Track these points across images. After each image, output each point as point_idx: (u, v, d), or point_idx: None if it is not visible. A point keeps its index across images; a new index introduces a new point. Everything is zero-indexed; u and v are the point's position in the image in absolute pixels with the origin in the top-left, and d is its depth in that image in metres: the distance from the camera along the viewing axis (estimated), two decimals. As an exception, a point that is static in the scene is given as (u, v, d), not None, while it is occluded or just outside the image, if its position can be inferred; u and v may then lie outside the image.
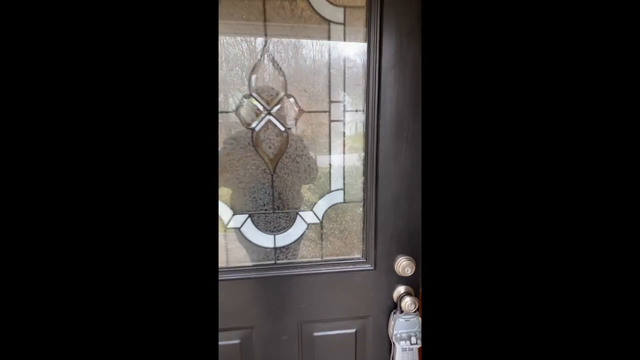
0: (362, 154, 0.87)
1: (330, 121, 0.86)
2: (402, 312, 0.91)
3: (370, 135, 0.85)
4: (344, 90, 0.85)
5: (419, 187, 0.87)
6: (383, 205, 0.88)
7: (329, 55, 0.83)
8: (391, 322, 0.93)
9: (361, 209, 0.91)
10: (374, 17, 0.80)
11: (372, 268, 0.91)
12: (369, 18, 0.80)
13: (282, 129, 0.85)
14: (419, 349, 0.91)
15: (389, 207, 0.88)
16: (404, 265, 0.89)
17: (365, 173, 0.88)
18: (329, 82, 0.84)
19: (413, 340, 0.90)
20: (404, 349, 0.91)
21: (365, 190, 0.89)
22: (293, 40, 0.82)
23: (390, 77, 0.82)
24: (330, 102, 0.85)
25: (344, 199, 0.90)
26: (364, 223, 0.91)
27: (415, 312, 0.91)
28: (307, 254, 0.93)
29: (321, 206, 0.90)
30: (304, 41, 0.82)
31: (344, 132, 0.87)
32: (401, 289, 0.93)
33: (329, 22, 0.82)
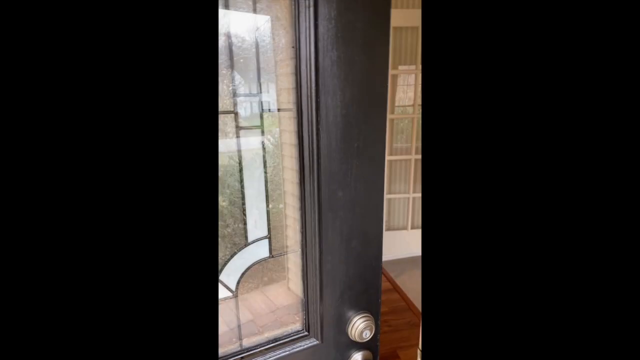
0: (296, 176, 0.55)
1: (239, 128, 0.50)
2: (361, 390, 0.66)
3: (307, 148, 0.53)
4: (258, 80, 0.50)
5: (375, 218, 0.61)
6: (329, 251, 0.58)
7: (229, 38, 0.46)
8: (348, 406, 0.67)
9: (298, 261, 0.60)
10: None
11: (318, 342, 0.62)
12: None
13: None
14: None
15: (336, 254, 0.59)
16: (361, 329, 0.63)
17: (302, 209, 0.56)
18: (232, 69, 0.48)
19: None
20: None
21: (303, 234, 0.57)
22: None
23: (328, 61, 0.51)
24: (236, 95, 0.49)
25: (271, 253, 0.57)
26: (303, 282, 0.60)
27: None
28: (220, 344, 0.57)
29: (233, 270, 0.55)
30: None
31: (263, 147, 0.53)
32: (359, 357, 0.67)
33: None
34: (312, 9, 0.48)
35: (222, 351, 0.58)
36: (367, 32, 0.53)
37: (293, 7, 0.49)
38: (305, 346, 0.62)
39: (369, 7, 0.52)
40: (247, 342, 0.59)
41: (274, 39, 0.53)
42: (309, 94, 0.51)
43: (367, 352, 0.68)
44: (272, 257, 0.58)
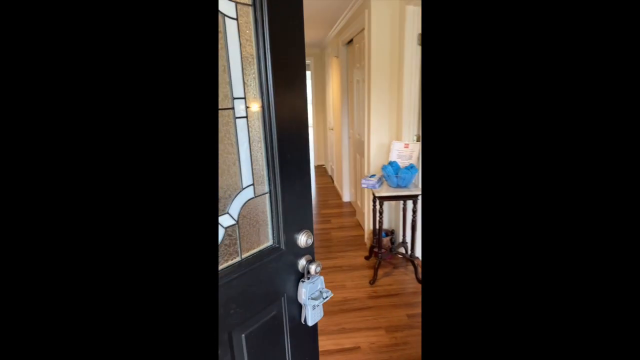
0: (263, 144, 0.92)
1: (236, 118, 0.85)
2: (308, 278, 1.07)
3: (266, 127, 0.91)
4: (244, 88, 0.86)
5: (307, 172, 1.03)
6: (284, 192, 0.98)
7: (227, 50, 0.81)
8: (302, 290, 1.07)
9: (268, 199, 0.97)
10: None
11: (284, 249, 1.00)
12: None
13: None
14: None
15: (287, 195, 0.99)
16: (305, 239, 1.04)
17: (269, 166, 0.94)
18: (230, 78, 0.82)
19: (319, 298, 1.09)
20: (314, 307, 1.08)
21: (270, 182, 0.95)
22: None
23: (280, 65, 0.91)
24: (233, 98, 0.84)
25: (255, 194, 0.92)
26: (272, 212, 0.97)
27: (316, 274, 1.09)
28: (228, 257, 0.88)
29: (235, 206, 0.88)
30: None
31: (247, 126, 0.88)
32: (303, 260, 1.07)
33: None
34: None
35: (229, 262, 0.89)
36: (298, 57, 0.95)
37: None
38: (277, 253, 0.99)
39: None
40: (244, 254, 0.92)
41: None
42: (266, 90, 0.89)
43: (308, 256, 1.09)
44: (255, 197, 0.93)
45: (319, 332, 1.86)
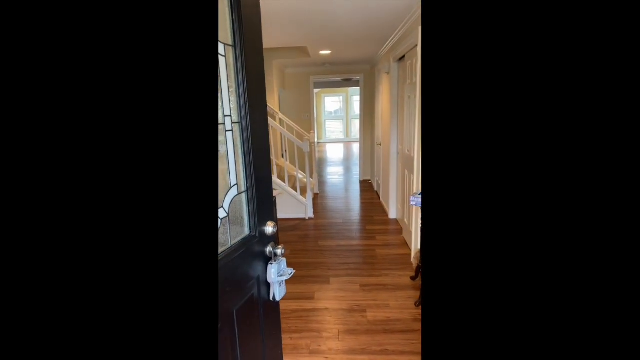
0: (241, 152, 1.16)
1: (226, 131, 1.07)
2: (275, 260, 1.32)
3: (244, 137, 1.16)
4: (230, 107, 1.10)
5: (269, 181, 1.30)
6: (258, 190, 1.23)
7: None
8: (270, 270, 1.30)
9: (245, 196, 1.20)
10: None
11: (258, 237, 1.24)
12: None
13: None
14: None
15: (259, 193, 1.24)
16: (271, 228, 1.30)
17: (245, 167, 1.18)
18: (221, 96, 1.06)
19: (284, 275, 1.35)
20: (279, 284, 1.34)
21: (247, 181, 1.19)
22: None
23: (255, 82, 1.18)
24: (224, 115, 1.07)
25: (238, 192, 1.15)
26: (249, 206, 1.20)
27: (281, 256, 1.35)
28: (222, 244, 1.08)
29: (226, 201, 1.09)
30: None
31: (232, 138, 1.11)
32: (270, 246, 1.32)
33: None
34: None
35: (224, 248, 1.09)
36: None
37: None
38: (255, 240, 1.22)
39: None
40: (233, 242, 1.13)
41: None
42: (245, 107, 1.15)
43: (273, 243, 1.34)
44: (239, 194, 1.15)
45: (362, 350, 2.17)
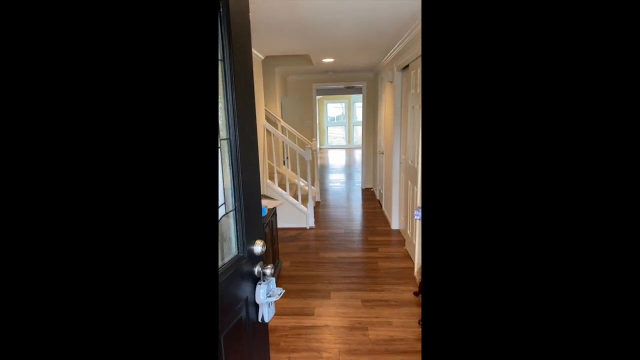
0: (229, 169, 1.12)
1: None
2: (264, 280, 1.27)
3: (233, 163, 1.12)
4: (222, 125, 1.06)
5: (258, 193, 1.25)
6: (246, 209, 1.18)
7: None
8: (259, 291, 1.25)
9: (233, 216, 1.15)
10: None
11: (246, 258, 1.19)
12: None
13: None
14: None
15: (247, 213, 1.20)
16: (260, 248, 1.25)
17: (233, 185, 1.13)
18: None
19: (274, 296, 1.29)
20: (269, 305, 1.28)
21: (235, 200, 1.14)
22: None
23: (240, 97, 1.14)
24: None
25: (226, 212, 1.10)
26: (236, 225, 1.16)
27: (270, 275, 1.30)
28: (208, 267, 1.03)
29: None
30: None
31: (220, 155, 1.07)
32: (259, 265, 1.27)
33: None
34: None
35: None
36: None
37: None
38: (243, 260, 1.17)
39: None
40: (220, 263, 1.08)
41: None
42: (234, 124, 1.11)
43: (261, 262, 1.29)
44: (226, 213, 1.11)
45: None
